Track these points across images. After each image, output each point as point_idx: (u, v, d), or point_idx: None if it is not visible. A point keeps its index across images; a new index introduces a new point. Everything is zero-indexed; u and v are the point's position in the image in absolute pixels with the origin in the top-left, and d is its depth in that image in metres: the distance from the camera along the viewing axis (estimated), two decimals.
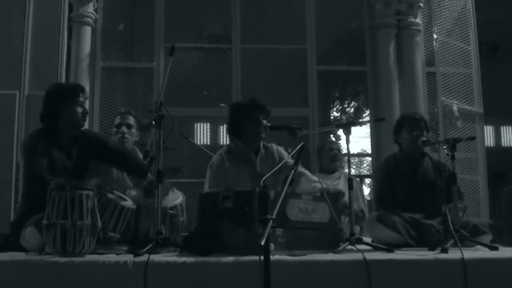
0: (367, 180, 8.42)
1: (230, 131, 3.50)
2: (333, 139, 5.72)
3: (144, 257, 2.24)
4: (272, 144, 3.53)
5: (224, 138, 7.56)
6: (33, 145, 2.95)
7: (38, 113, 3.09)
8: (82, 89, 3.15)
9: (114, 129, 3.85)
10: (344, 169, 4.79)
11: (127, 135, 3.80)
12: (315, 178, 3.37)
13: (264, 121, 3.35)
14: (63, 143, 3.06)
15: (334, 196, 2.95)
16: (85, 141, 3.14)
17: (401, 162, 3.73)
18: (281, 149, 3.50)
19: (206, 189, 3.36)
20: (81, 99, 3.10)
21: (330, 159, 4.61)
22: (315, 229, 2.66)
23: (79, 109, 3.07)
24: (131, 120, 3.88)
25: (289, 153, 3.47)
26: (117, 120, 3.88)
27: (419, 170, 3.69)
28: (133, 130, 3.87)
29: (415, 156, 3.72)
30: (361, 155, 9.09)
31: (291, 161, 3.02)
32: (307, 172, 3.46)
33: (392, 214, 3.43)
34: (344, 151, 4.36)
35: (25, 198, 3.08)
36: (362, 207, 4.48)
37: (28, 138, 3.07)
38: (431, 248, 2.93)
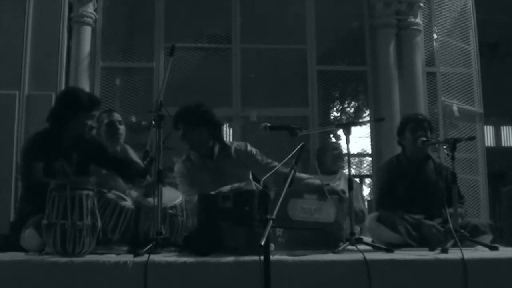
0: (367, 180, 8.43)
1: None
2: (333, 139, 5.72)
3: (144, 257, 2.24)
4: (232, 142, 3.53)
5: (224, 138, 7.54)
6: (31, 150, 2.95)
7: (40, 112, 3.09)
8: (98, 104, 3.15)
9: (105, 127, 3.83)
10: (344, 169, 4.79)
11: (120, 131, 3.84)
12: (308, 176, 3.37)
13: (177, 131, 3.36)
14: (63, 147, 3.05)
15: (338, 197, 2.92)
16: (85, 145, 3.14)
17: (404, 163, 3.72)
18: (242, 145, 3.49)
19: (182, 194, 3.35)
20: (94, 113, 3.10)
21: (334, 158, 4.59)
22: (319, 229, 2.65)
23: (89, 122, 3.07)
24: (120, 117, 3.93)
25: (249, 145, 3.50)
26: (107, 119, 3.87)
27: (422, 172, 3.68)
28: (123, 126, 3.92)
29: (418, 158, 3.71)
30: (361, 155, 9.08)
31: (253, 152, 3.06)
32: (302, 175, 3.44)
33: (393, 214, 3.43)
34: (344, 151, 4.35)
35: (24, 201, 3.08)
36: (362, 208, 4.48)
37: (27, 143, 3.07)
38: (431, 248, 2.93)
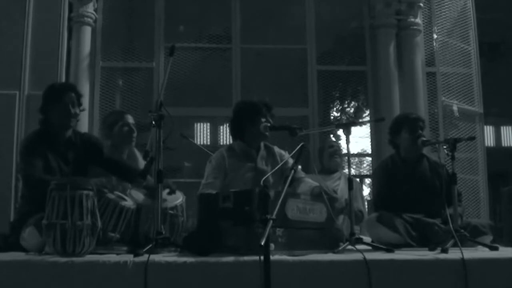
0: (367, 180, 8.44)
1: (232, 131, 3.50)
2: (333, 139, 5.73)
3: (144, 257, 2.24)
4: (275, 146, 3.52)
5: (224, 138, 7.56)
6: (29, 148, 2.94)
7: (38, 113, 3.09)
8: (70, 89, 3.10)
9: (121, 127, 3.79)
10: (344, 169, 4.79)
11: (135, 135, 3.82)
12: (314, 182, 3.36)
13: (264, 122, 3.34)
14: (58, 145, 3.04)
15: (331, 199, 2.93)
16: (81, 144, 3.13)
17: (399, 163, 3.71)
18: (284, 152, 3.49)
19: (203, 182, 3.34)
20: (67, 100, 3.03)
21: (330, 156, 4.59)
22: (312, 229, 2.66)
23: (63, 112, 3.02)
24: (133, 120, 3.89)
25: (289, 154, 3.47)
26: (121, 121, 3.81)
27: (417, 172, 3.67)
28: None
29: (413, 157, 3.70)
30: (361, 155, 9.10)
31: (291, 161, 3.01)
32: (307, 179, 3.43)
33: (392, 215, 3.43)
34: (344, 151, 4.36)
35: (24, 199, 3.08)
36: (361, 208, 4.48)
37: (25, 141, 3.07)
38: (431, 248, 2.93)
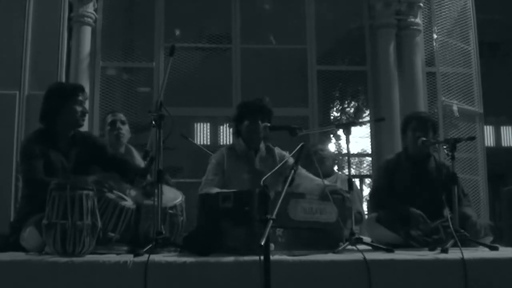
0: (367, 180, 8.43)
1: (233, 129, 3.54)
2: (334, 139, 5.73)
3: (144, 257, 2.24)
4: (276, 147, 3.53)
5: (224, 138, 7.56)
6: (30, 149, 2.95)
7: (38, 113, 3.09)
8: (82, 89, 3.17)
9: (108, 127, 3.87)
10: (344, 170, 4.79)
11: (122, 131, 3.86)
12: (317, 178, 3.36)
13: (263, 123, 3.35)
14: (61, 143, 3.06)
15: (341, 197, 2.91)
16: (83, 143, 3.14)
17: (404, 161, 3.70)
18: (285, 153, 3.49)
19: (204, 178, 3.38)
20: (81, 98, 3.10)
21: (319, 161, 4.60)
22: (319, 229, 2.65)
23: (79, 108, 3.08)
24: (123, 117, 3.95)
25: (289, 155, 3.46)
26: (110, 118, 3.92)
27: (422, 171, 3.66)
28: (127, 126, 3.94)
29: (419, 156, 3.69)
30: (361, 155, 9.09)
31: (291, 161, 3.01)
32: (310, 175, 3.42)
33: (392, 214, 3.42)
34: (344, 151, 4.36)
35: (24, 200, 3.08)
36: (359, 209, 4.48)
37: (25, 142, 3.08)
38: (431, 248, 2.93)
